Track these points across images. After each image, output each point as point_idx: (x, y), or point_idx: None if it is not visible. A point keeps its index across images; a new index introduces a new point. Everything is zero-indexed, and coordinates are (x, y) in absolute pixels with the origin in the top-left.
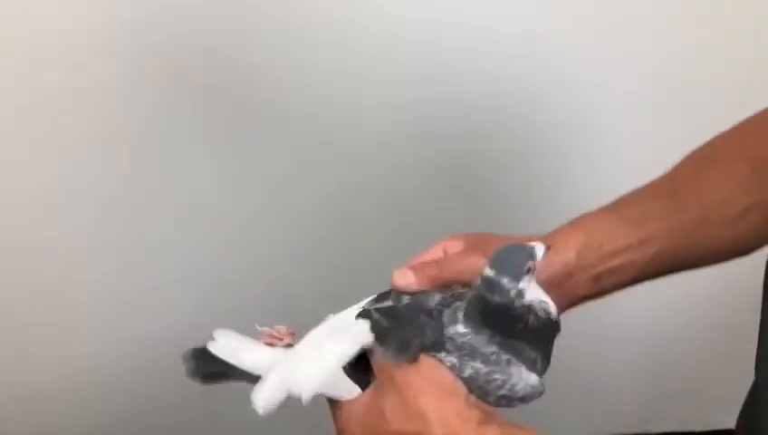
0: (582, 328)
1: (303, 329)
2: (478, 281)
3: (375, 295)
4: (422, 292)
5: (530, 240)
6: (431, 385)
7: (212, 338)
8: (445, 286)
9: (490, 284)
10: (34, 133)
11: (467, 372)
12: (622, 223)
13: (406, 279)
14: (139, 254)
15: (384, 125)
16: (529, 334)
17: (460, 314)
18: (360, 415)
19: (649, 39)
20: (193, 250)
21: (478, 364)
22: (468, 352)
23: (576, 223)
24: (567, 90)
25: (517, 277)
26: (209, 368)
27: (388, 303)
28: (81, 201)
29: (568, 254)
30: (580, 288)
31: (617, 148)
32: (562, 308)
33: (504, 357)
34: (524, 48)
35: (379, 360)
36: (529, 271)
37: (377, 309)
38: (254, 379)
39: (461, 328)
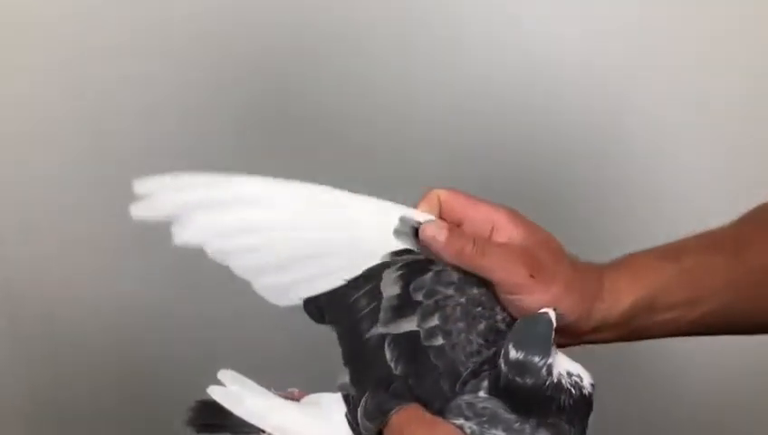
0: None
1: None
2: (500, 363)
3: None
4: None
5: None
6: None
7: (217, 381)
8: (461, 269)
9: (520, 366)
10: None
11: None
12: (681, 276)
13: (435, 233)
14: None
15: (443, 162)
16: (563, 414)
17: (484, 383)
18: None
19: (722, 81)
20: None
21: (500, 432)
22: (489, 419)
23: (635, 274)
24: (634, 127)
25: (548, 353)
26: (208, 419)
27: (411, 327)
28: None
29: (614, 313)
30: (611, 335)
31: (684, 188)
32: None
33: (530, 427)
34: (588, 81)
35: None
36: (555, 342)
37: (397, 336)
38: (252, 430)
39: (482, 393)
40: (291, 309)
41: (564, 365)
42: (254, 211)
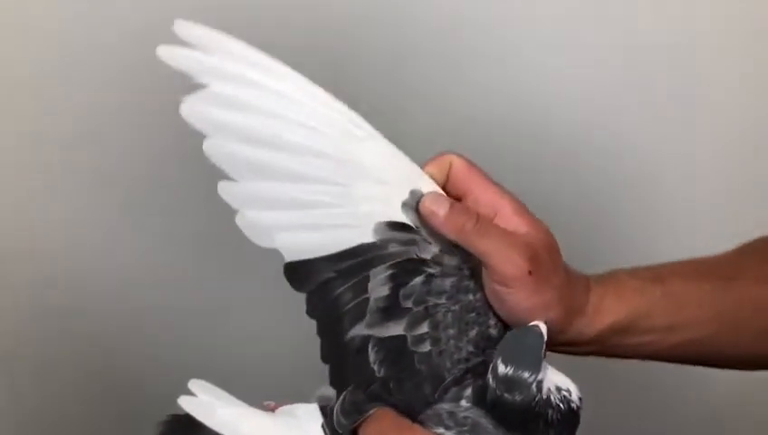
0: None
1: None
2: (488, 378)
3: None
4: (432, 234)
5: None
6: None
7: (189, 391)
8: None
9: (509, 382)
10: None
11: None
12: (665, 300)
13: (435, 206)
14: None
15: None
16: (551, 429)
17: (467, 392)
18: None
19: (719, 114)
20: None
21: None
22: (470, 429)
23: (622, 292)
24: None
25: (538, 369)
26: (179, 433)
27: (398, 331)
28: None
29: (591, 330)
30: (582, 350)
31: (680, 220)
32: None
33: None
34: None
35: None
36: (545, 356)
37: (382, 339)
38: None
39: (464, 402)
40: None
41: (553, 379)
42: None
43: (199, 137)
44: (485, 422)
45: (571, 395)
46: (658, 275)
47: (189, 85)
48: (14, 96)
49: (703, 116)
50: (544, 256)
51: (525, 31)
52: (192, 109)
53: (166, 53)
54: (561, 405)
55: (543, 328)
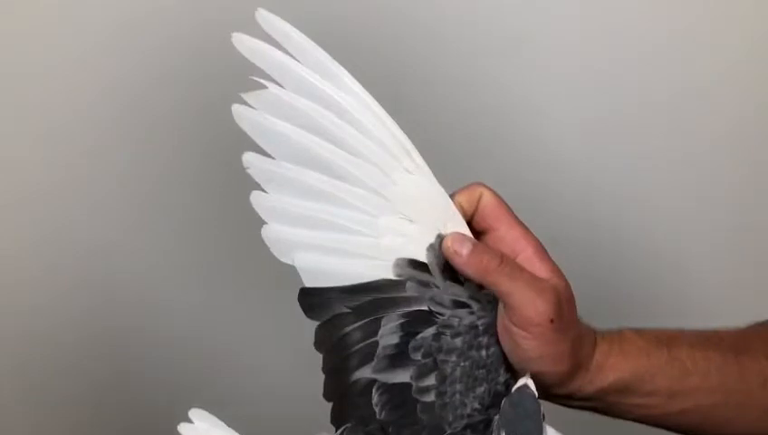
0: None
1: None
2: None
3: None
4: (456, 276)
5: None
6: None
7: (188, 419)
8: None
9: None
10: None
11: None
12: (669, 365)
13: (458, 247)
14: None
15: None
16: None
17: None
18: None
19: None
20: None
21: None
22: None
23: (627, 352)
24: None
25: (540, 432)
26: None
27: (405, 380)
28: None
29: (592, 387)
30: (580, 404)
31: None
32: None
33: None
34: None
35: None
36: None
37: (388, 385)
38: None
39: None
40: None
41: None
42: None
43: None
44: None
45: None
46: (666, 338)
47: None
48: (35, 95)
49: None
50: (565, 306)
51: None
52: (243, 111)
53: (242, 42)
54: None
55: (532, 386)
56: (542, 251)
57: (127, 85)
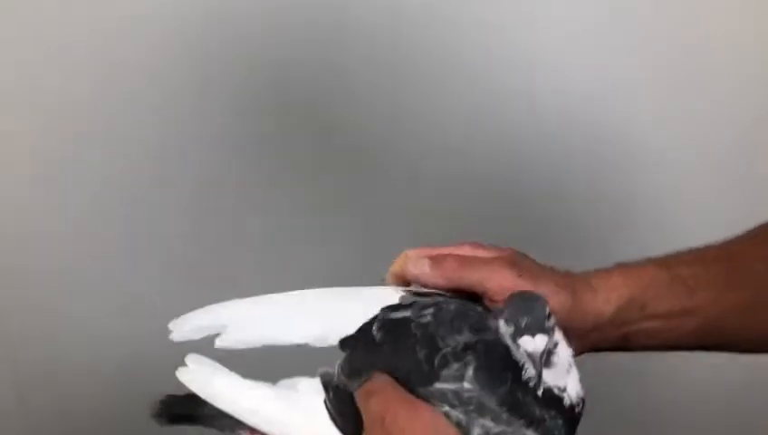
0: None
1: None
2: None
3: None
4: (429, 291)
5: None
6: (429, 433)
7: (183, 363)
8: (458, 290)
9: (522, 329)
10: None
11: (476, 432)
12: (673, 285)
13: (420, 268)
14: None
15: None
16: (554, 417)
17: (469, 373)
18: None
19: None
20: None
21: (488, 422)
22: (476, 408)
23: (626, 274)
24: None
25: (545, 329)
26: (176, 410)
27: (405, 314)
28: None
29: (608, 308)
30: (604, 342)
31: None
32: (579, 352)
33: (519, 420)
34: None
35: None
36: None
37: (388, 319)
38: (224, 423)
39: (467, 384)
40: None
41: (556, 380)
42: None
43: None
44: (491, 402)
45: (572, 392)
46: (663, 261)
47: None
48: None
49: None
50: (523, 260)
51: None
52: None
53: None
54: (563, 400)
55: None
56: (475, 243)
57: None
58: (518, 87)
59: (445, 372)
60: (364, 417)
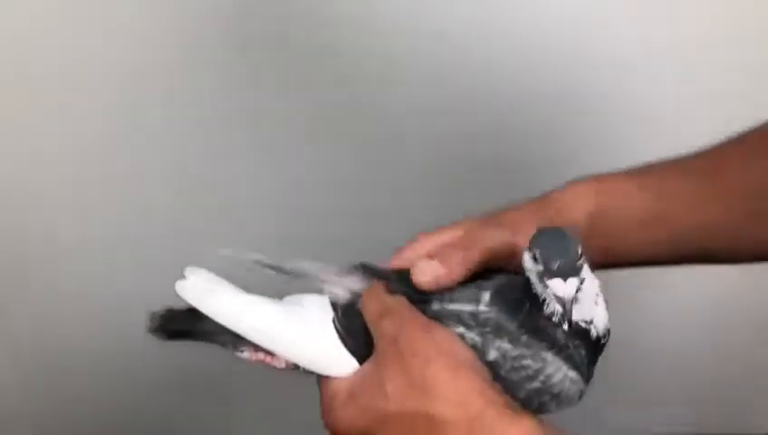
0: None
1: None
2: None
3: None
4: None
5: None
6: (444, 354)
7: (183, 276)
8: (477, 270)
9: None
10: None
11: (492, 354)
12: (642, 193)
13: (433, 271)
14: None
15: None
16: (570, 343)
17: (485, 296)
18: (351, 391)
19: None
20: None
21: (505, 344)
22: (493, 330)
23: (590, 184)
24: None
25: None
26: (175, 325)
27: None
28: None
29: (580, 216)
30: (593, 247)
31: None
32: None
33: (539, 343)
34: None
35: (371, 320)
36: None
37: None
38: (225, 339)
39: (483, 307)
40: None
41: (583, 313)
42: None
43: None
44: (508, 324)
45: (598, 325)
46: (632, 170)
47: None
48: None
49: None
50: (490, 217)
51: None
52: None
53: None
54: (590, 332)
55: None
56: (424, 233)
57: None
58: (504, 45)
59: (459, 295)
60: (375, 337)
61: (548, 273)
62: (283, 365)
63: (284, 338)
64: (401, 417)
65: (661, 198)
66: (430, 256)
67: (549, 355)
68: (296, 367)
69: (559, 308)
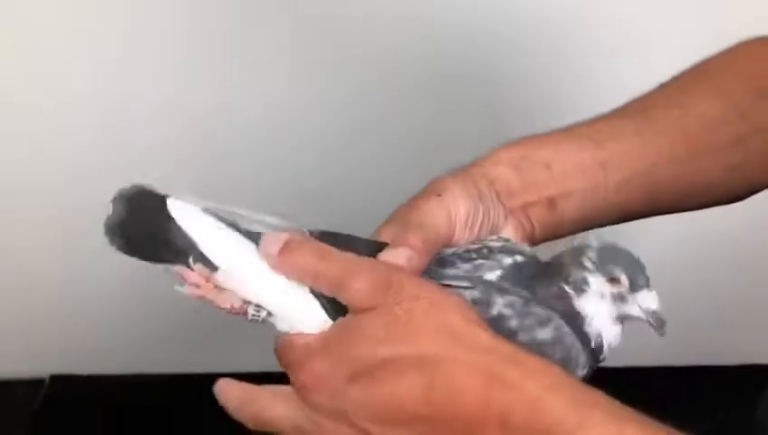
0: None
1: None
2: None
3: None
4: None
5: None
6: (433, 291)
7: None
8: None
9: (579, 249)
10: None
11: (496, 308)
12: (573, 141)
13: (407, 255)
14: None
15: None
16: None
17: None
18: (326, 342)
19: None
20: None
21: (513, 298)
22: (498, 290)
23: (518, 141)
24: None
25: (601, 269)
26: (136, 221)
27: None
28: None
29: (499, 169)
30: (533, 214)
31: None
32: (534, 241)
33: (546, 312)
34: None
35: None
36: (614, 282)
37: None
38: (177, 257)
39: (492, 274)
40: None
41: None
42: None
43: None
44: (515, 288)
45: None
46: (567, 126)
47: None
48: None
49: None
50: (418, 197)
51: None
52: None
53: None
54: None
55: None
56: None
57: None
58: None
59: (457, 270)
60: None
61: (635, 287)
62: (228, 306)
63: (261, 277)
64: (389, 363)
65: (595, 144)
66: (393, 246)
67: (556, 322)
68: (244, 313)
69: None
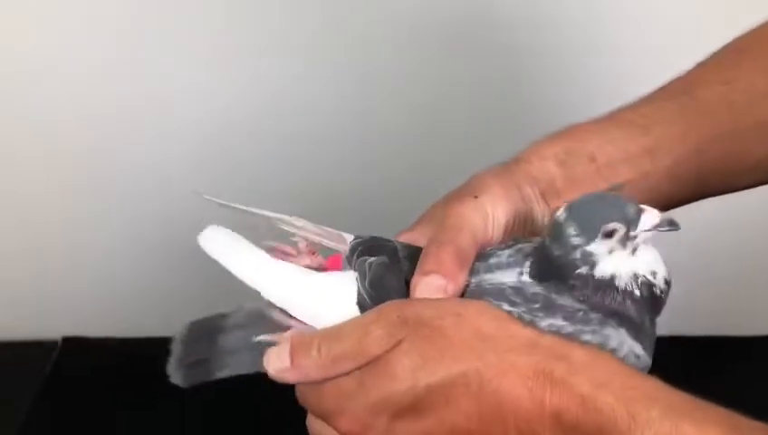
0: None
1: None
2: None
3: None
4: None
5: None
6: (466, 311)
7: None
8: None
9: (555, 230)
10: None
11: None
12: (619, 129)
13: (435, 289)
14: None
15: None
16: (633, 308)
17: (526, 266)
18: (361, 382)
19: None
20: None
21: (559, 321)
22: (543, 306)
23: (559, 133)
24: None
25: (589, 234)
26: (193, 354)
27: None
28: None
29: (543, 165)
30: None
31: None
32: None
33: (595, 315)
34: None
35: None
36: (611, 235)
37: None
38: (242, 359)
39: (525, 277)
40: None
41: (630, 267)
42: None
43: None
44: (557, 298)
45: (655, 278)
46: (607, 113)
47: None
48: None
49: None
50: (456, 193)
51: None
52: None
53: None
54: (638, 291)
55: (650, 216)
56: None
57: None
58: None
59: (498, 259)
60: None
61: (631, 220)
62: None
63: (304, 303)
64: (432, 390)
65: (642, 130)
66: (424, 273)
67: (609, 330)
68: None
69: (634, 283)
